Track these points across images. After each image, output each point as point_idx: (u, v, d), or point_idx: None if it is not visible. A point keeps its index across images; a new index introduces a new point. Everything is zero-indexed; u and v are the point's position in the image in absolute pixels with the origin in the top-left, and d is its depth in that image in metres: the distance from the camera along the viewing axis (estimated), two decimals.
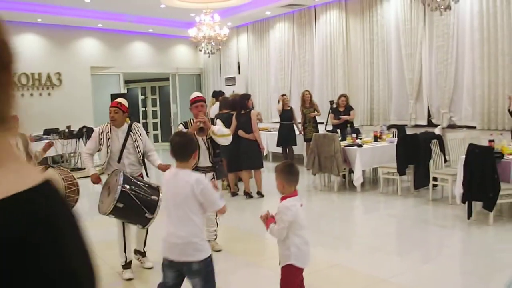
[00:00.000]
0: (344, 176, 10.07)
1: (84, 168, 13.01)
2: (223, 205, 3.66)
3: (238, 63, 16.72)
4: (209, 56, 13.96)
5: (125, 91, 16.81)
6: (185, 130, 5.76)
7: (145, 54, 17.09)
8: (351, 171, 9.84)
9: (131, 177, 5.07)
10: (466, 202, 7.04)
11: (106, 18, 14.69)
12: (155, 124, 19.76)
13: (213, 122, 6.06)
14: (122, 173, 4.98)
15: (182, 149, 3.71)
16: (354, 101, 12.20)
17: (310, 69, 14.24)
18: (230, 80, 16.02)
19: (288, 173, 3.80)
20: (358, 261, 5.74)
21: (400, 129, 10.84)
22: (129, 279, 5.38)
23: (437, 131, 9.93)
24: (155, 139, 19.49)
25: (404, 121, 11.76)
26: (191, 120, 6.07)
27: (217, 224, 6.26)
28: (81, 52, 15.50)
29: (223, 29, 12.87)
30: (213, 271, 3.63)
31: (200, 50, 13.26)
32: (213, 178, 6.01)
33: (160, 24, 15.95)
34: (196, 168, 5.88)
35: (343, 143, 9.76)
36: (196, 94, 6.18)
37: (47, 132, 13.34)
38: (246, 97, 9.53)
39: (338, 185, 9.73)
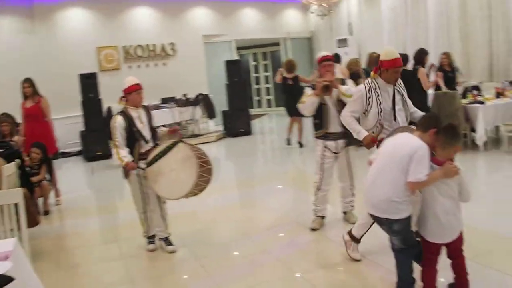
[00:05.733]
0: (465, 135, 9.57)
1: (203, 135, 13.47)
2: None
3: (349, 24, 16.31)
4: (322, 19, 13.71)
5: (237, 58, 16.94)
6: (311, 92, 5.44)
7: (256, 20, 17.14)
8: (472, 130, 9.40)
9: None
10: None
11: None
12: (267, 89, 19.86)
13: (343, 83, 5.50)
14: None
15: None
16: (472, 57, 11.68)
17: (424, 26, 13.58)
18: (342, 42, 15.66)
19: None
20: (483, 221, 5.45)
21: None
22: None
23: None
24: (268, 105, 19.72)
25: None
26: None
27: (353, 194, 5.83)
28: (193, 21, 15.83)
29: None
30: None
31: (312, 12, 13.07)
32: (345, 145, 5.60)
33: None
34: (326, 135, 5.55)
35: (464, 101, 9.34)
36: (324, 52, 5.71)
37: (164, 100, 13.79)
38: (424, 52, 9.39)
39: None
